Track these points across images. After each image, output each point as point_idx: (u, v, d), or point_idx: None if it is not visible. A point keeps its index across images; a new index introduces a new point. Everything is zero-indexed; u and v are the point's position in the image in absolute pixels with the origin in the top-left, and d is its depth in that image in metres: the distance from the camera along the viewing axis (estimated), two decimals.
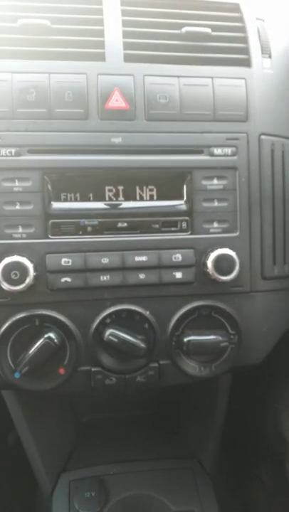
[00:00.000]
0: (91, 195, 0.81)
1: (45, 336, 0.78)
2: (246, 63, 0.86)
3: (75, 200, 0.81)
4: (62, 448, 1.20)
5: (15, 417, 1.07)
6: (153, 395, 1.29)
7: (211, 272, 0.80)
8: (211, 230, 0.83)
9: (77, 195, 0.81)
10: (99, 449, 1.20)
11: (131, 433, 1.26)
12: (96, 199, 0.81)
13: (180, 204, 0.83)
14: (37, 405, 1.10)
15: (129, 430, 1.27)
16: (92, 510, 1.02)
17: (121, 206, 0.82)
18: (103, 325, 0.81)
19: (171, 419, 1.31)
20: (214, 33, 0.86)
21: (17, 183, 0.78)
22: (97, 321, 0.81)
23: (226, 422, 1.15)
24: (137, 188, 0.82)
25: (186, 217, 0.83)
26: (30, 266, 0.76)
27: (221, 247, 0.81)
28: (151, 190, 0.83)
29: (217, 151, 0.82)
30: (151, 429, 1.29)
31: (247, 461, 1.30)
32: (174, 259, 0.81)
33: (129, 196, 0.82)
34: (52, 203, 0.80)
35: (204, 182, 0.82)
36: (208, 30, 0.85)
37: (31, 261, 0.77)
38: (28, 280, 0.75)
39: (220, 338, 0.81)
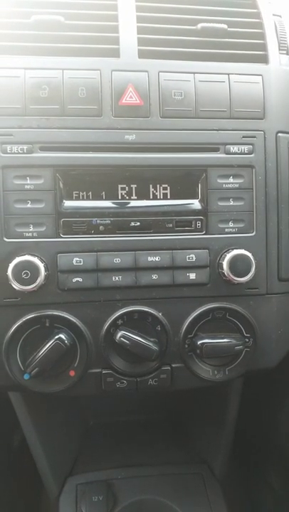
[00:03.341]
0: (103, 193, 0.80)
1: (56, 337, 0.76)
2: (263, 60, 0.85)
3: (87, 198, 0.80)
4: (69, 451, 1.19)
5: (21, 418, 1.06)
6: (162, 399, 1.27)
7: (226, 273, 0.78)
8: (227, 230, 0.81)
9: (90, 193, 0.80)
10: (106, 453, 1.18)
11: (139, 437, 1.24)
12: (108, 198, 0.80)
13: (195, 203, 0.81)
14: (44, 407, 1.08)
15: (137, 434, 1.25)
16: None
17: (134, 205, 0.80)
18: (114, 326, 0.79)
19: (180, 423, 1.29)
20: (230, 29, 0.85)
21: (28, 181, 0.76)
22: (109, 322, 0.79)
23: (236, 427, 1.13)
24: (151, 186, 0.81)
25: (201, 217, 0.81)
26: (41, 265, 0.74)
27: (236, 248, 0.79)
28: (165, 188, 0.81)
29: (233, 149, 0.80)
30: (161, 434, 1.27)
31: (257, 468, 1.28)
32: (187, 260, 0.79)
33: (143, 195, 0.80)
34: (64, 201, 0.78)
35: (220, 180, 0.80)
36: (224, 26, 0.84)
37: (42, 260, 0.76)
38: (39, 280, 0.74)
39: (234, 341, 0.80)
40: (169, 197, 0.81)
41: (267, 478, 1.24)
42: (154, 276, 0.79)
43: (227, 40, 0.84)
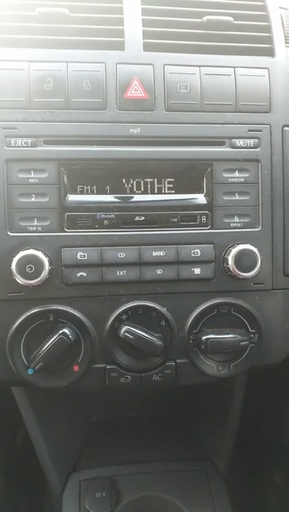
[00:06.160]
0: (108, 187, 0.79)
1: (60, 331, 0.76)
2: (269, 53, 0.84)
3: (92, 192, 0.79)
4: (72, 447, 1.19)
5: (25, 414, 1.06)
6: (166, 395, 1.27)
7: (231, 268, 0.77)
8: (232, 225, 0.80)
9: (94, 187, 0.79)
10: (110, 449, 1.18)
11: (143, 433, 1.24)
12: (113, 192, 0.79)
13: (200, 197, 0.81)
14: (47, 403, 1.08)
15: (141, 430, 1.25)
16: (103, 510, 1.00)
17: (138, 199, 0.80)
18: (119, 321, 0.79)
19: (184, 419, 1.29)
20: (236, 22, 0.84)
21: (33, 175, 0.76)
22: (113, 317, 0.79)
23: (240, 424, 1.12)
24: (156, 180, 0.80)
25: (206, 211, 0.80)
26: (45, 260, 0.74)
27: (242, 243, 0.79)
28: (170, 183, 0.80)
29: (239, 142, 0.80)
30: (164, 430, 1.27)
31: (261, 465, 1.27)
32: (192, 255, 0.79)
33: (148, 189, 0.80)
34: (68, 195, 0.78)
35: (225, 175, 0.80)
36: (230, 18, 0.83)
37: (46, 255, 0.75)
38: (44, 274, 0.73)
39: (239, 336, 0.79)
40: (174, 191, 0.81)
41: (271, 476, 1.23)
42: (159, 271, 0.79)
43: (233, 32, 0.84)
